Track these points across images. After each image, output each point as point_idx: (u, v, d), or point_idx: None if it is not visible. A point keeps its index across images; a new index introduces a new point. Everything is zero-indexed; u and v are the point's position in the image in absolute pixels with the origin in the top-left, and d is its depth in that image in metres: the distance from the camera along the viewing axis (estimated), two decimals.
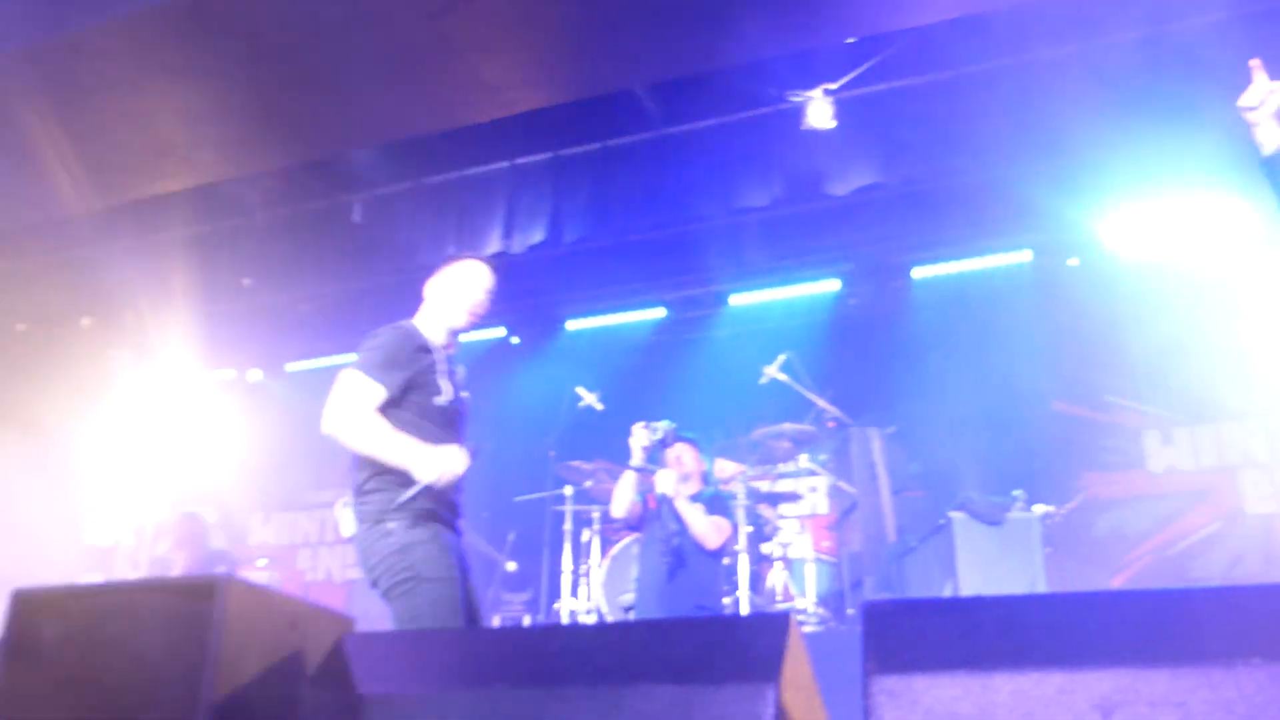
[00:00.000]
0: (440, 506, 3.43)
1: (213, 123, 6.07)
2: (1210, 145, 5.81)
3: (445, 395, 3.51)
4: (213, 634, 1.68)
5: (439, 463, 3.32)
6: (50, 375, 8.78)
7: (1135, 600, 1.54)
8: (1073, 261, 7.08)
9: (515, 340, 8.80)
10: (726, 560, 5.92)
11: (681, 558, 5.21)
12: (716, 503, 5.55)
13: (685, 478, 5.65)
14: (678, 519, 5.31)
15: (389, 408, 3.38)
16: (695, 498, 5.57)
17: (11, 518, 7.88)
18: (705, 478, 5.79)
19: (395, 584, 3.28)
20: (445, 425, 3.51)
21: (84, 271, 8.04)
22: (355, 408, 3.33)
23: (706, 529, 5.32)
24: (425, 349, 3.54)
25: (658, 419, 5.62)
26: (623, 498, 5.55)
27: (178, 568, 6.39)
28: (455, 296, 3.67)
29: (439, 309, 3.66)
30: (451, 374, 3.62)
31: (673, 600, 5.21)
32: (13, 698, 1.85)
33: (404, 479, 3.32)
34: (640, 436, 5.44)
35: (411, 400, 3.42)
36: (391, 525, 3.30)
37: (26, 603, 1.91)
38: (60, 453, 8.96)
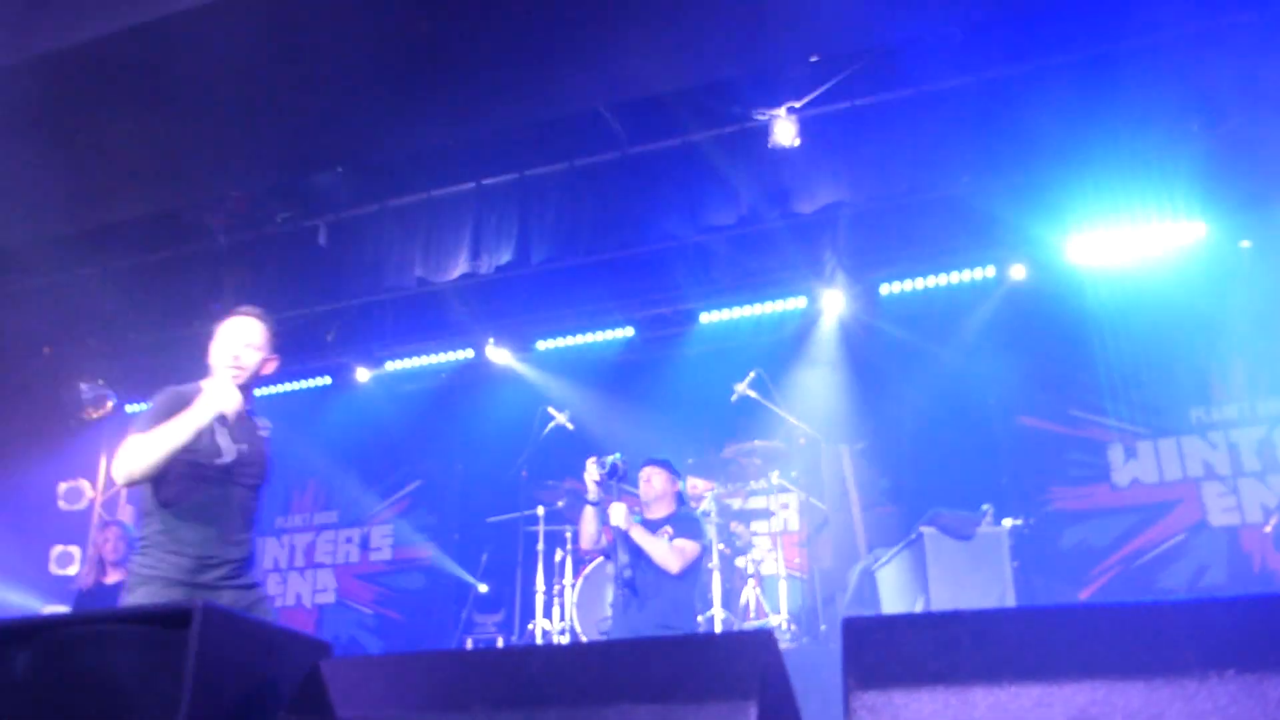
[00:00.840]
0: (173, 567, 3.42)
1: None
2: (1172, 160, 5.94)
3: (222, 453, 3.50)
4: (189, 661, 1.66)
5: (213, 396, 3.42)
6: (12, 404, 8.65)
7: (1109, 613, 1.56)
8: (1032, 274, 7.16)
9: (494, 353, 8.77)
10: (708, 576, 5.93)
11: (635, 588, 5.21)
12: (685, 523, 5.54)
13: (658, 498, 5.65)
14: (631, 550, 5.31)
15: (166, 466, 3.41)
16: (666, 519, 5.57)
17: None
18: (679, 498, 5.79)
19: None
20: (222, 481, 3.52)
21: (43, 300, 7.95)
22: (127, 452, 3.37)
23: (665, 555, 5.31)
24: None
25: (629, 437, 5.63)
26: (586, 532, 5.60)
27: (112, 578, 6.27)
28: (215, 354, 3.66)
29: (211, 368, 3.67)
30: (236, 429, 3.59)
31: (634, 630, 5.20)
32: None
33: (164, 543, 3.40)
34: (591, 471, 5.49)
35: (182, 459, 3.41)
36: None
37: None
38: (23, 482, 8.81)
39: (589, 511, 5.55)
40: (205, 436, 3.44)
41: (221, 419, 3.51)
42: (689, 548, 5.38)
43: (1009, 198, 6.46)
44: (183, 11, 4.95)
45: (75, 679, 1.78)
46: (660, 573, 5.28)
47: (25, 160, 6.01)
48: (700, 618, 5.78)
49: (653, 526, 5.49)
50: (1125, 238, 6.59)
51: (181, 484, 3.43)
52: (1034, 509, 6.61)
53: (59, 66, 5.28)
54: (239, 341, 3.63)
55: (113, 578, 6.23)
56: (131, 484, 3.39)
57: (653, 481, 5.69)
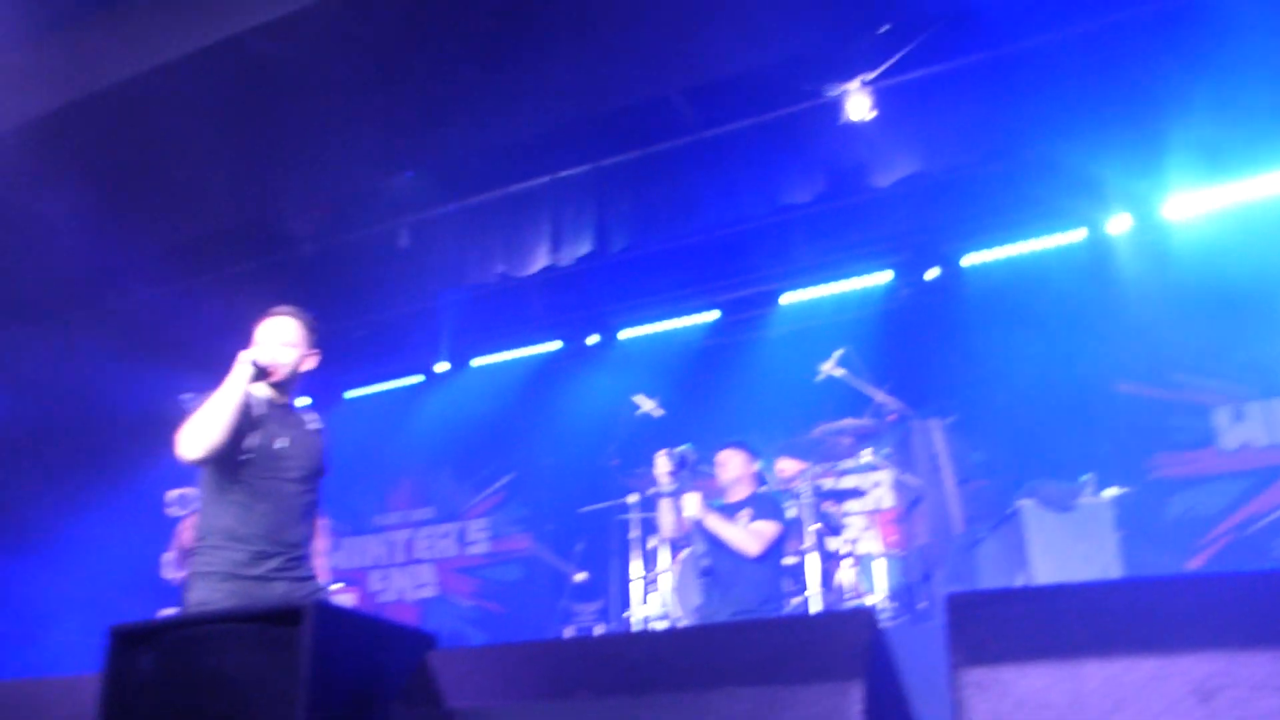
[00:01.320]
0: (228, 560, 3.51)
1: None
2: (1271, 108, 5.68)
3: (273, 445, 3.60)
4: (303, 658, 1.71)
5: (243, 358, 3.53)
6: (116, 415, 8.98)
7: (1227, 582, 1.51)
8: (1126, 234, 6.93)
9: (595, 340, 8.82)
10: (791, 559, 5.88)
11: (716, 576, 5.19)
12: (765, 504, 5.48)
13: (735, 481, 5.62)
14: (708, 539, 5.29)
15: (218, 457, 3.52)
16: (745, 502, 5.53)
17: (95, 558, 8.05)
18: (758, 478, 5.74)
19: None
20: (272, 475, 3.61)
21: (142, 313, 8.23)
22: (186, 428, 3.51)
23: (742, 540, 5.26)
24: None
25: (717, 421, 5.62)
26: (665, 523, 5.60)
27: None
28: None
29: None
30: (272, 424, 3.65)
31: (716, 618, 5.19)
32: None
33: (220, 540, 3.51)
34: (662, 464, 5.48)
35: (234, 456, 3.54)
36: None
37: (123, 637, 1.95)
38: (131, 491, 9.14)
39: (665, 503, 5.56)
40: (252, 434, 3.54)
41: (265, 418, 3.60)
42: (768, 529, 5.33)
43: (1099, 157, 6.26)
44: (268, 23, 5.08)
45: (196, 677, 1.84)
46: (739, 558, 5.26)
47: (121, 179, 6.23)
48: (794, 600, 5.74)
49: (732, 510, 5.47)
50: (1225, 191, 6.35)
51: (233, 479, 3.54)
52: (1137, 477, 6.42)
53: (149, 83, 5.44)
54: (274, 340, 3.71)
55: None
56: (196, 458, 3.48)
57: (729, 465, 5.65)
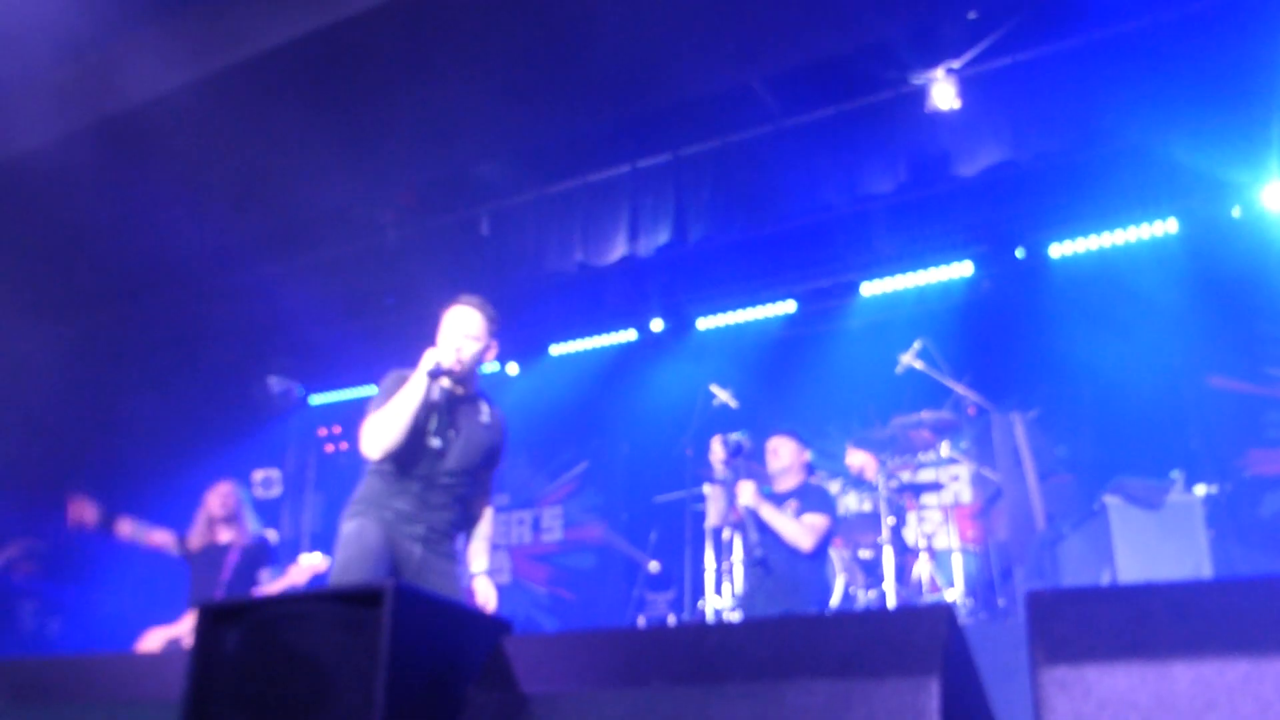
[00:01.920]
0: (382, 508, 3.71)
1: None
2: None
3: (428, 434, 3.73)
4: (383, 638, 1.74)
5: (426, 360, 3.67)
6: (205, 397, 9.25)
7: None
8: (1219, 225, 6.72)
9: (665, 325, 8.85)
10: (867, 552, 5.82)
11: (769, 567, 5.13)
12: (814, 496, 5.42)
13: (785, 470, 5.57)
14: (762, 529, 5.24)
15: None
16: (793, 492, 5.48)
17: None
18: (808, 468, 5.68)
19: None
20: (431, 462, 3.75)
21: (231, 298, 8.46)
22: (368, 429, 3.69)
23: (797, 533, 5.21)
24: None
25: (793, 412, 5.59)
26: (713, 510, 5.58)
27: (224, 536, 5.94)
28: (440, 341, 3.85)
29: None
30: (444, 414, 3.77)
31: (768, 609, 5.15)
32: (202, 703, 1.95)
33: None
34: (717, 450, 5.45)
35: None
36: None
37: (209, 614, 2.02)
38: (219, 472, 9.40)
39: (715, 489, 5.52)
40: (421, 422, 3.68)
41: (439, 411, 3.73)
42: (820, 523, 5.28)
43: (1192, 146, 6.08)
44: (357, 15, 5.17)
45: (279, 655, 1.89)
46: (792, 551, 5.21)
47: (213, 165, 6.40)
48: (870, 593, 5.69)
49: (780, 500, 5.42)
50: None
51: (391, 460, 3.70)
52: (1229, 475, 6.23)
53: (242, 72, 5.58)
54: (459, 333, 3.81)
55: (224, 536, 5.94)
56: (376, 458, 3.67)
57: (780, 453, 5.60)
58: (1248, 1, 5.45)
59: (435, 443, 3.72)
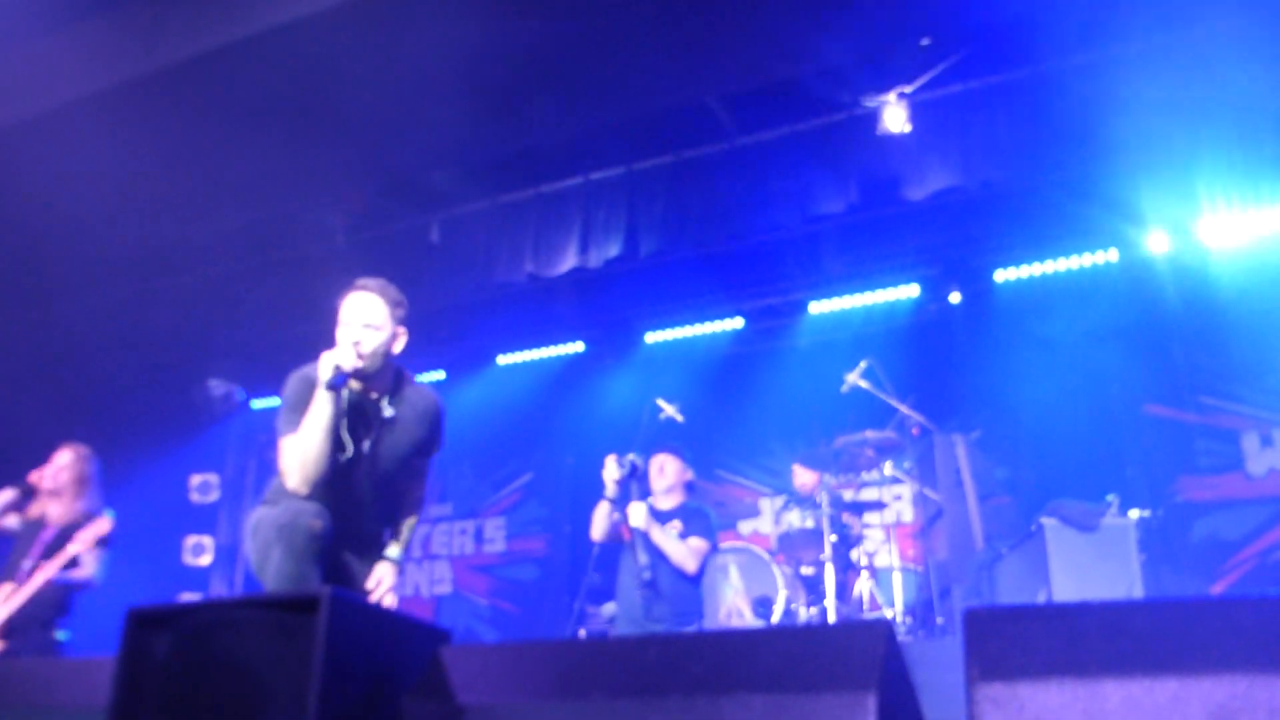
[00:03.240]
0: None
1: None
2: None
3: (344, 449, 3.42)
4: (318, 646, 1.72)
5: (323, 369, 3.31)
6: (143, 400, 9.07)
7: (1250, 606, 1.49)
8: (1158, 256, 6.87)
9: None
10: (809, 569, 5.85)
11: (657, 589, 5.12)
12: (696, 518, 5.42)
13: (669, 489, 5.57)
14: (652, 551, 5.24)
15: None
16: (675, 511, 5.49)
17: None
18: (690, 488, 5.70)
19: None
20: (343, 475, 3.44)
21: (172, 299, 8.31)
22: (289, 461, 3.36)
23: (684, 556, 5.23)
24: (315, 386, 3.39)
25: (739, 428, 5.57)
26: (598, 525, 5.48)
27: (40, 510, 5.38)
28: (338, 338, 3.45)
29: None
30: (356, 422, 3.44)
31: (661, 629, 5.14)
32: (129, 711, 1.91)
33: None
34: (611, 470, 5.38)
35: None
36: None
37: (140, 619, 1.97)
38: (156, 475, 9.22)
39: (604, 506, 5.48)
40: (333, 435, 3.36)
41: (346, 413, 3.42)
42: (704, 546, 5.33)
43: (1133, 178, 6.22)
44: (305, 17, 5.11)
45: (211, 662, 1.86)
46: (678, 572, 5.24)
47: (157, 165, 6.29)
48: (811, 610, 5.72)
49: (663, 518, 5.43)
50: (1259, 216, 6.29)
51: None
52: (1162, 500, 6.37)
53: (186, 74, 5.50)
54: (358, 323, 3.44)
55: (52, 511, 5.35)
56: (305, 493, 3.32)
57: (665, 470, 5.59)
58: (1186, 43, 5.61)
59: (349, 454, 3.40)
